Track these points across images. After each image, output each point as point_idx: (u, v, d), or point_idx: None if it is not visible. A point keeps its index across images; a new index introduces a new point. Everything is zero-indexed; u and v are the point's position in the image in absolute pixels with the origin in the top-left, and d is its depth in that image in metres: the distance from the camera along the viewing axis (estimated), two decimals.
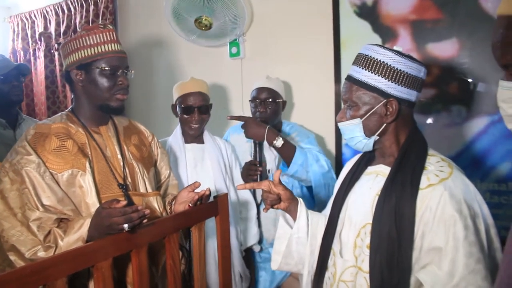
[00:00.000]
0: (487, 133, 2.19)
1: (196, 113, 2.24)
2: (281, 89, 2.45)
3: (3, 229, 1.39)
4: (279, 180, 1.58)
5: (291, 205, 1.59)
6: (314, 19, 2.72)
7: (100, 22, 3.44)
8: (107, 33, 1.59)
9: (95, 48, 1.57)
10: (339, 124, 1.44)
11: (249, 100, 2.46)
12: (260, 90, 2.39)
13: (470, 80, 2.23)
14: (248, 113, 2.88)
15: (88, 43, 1.57)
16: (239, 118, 2.25)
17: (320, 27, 2.69)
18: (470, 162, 2.21)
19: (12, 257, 1.37)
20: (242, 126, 2.23)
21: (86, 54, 1.57)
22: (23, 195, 1.42)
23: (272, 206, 1.60)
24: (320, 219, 1.62)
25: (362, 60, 1.37)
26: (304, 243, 1.59)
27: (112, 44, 1.60)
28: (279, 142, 2.16)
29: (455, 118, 2.28)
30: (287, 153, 2.19)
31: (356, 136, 1.40)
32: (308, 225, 1.58)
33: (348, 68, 2.48)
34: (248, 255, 2.40)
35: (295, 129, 2.49)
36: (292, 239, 1.59)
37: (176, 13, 2.81)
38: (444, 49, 2.28)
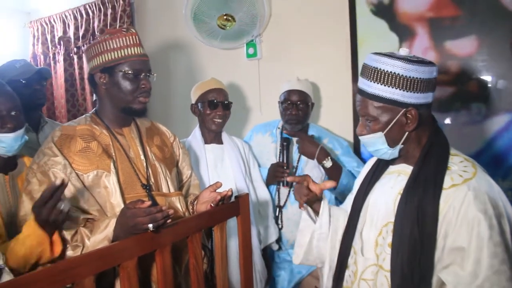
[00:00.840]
0: (508, 131, 2.17)
1: (220, 108, 2.26)
2: (310, 91, 2.46)
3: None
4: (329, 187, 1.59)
5: (313, 197, 1.58)
6: (330, 18, 2.72)
7: (118, 25, 3.49)
8: (130, 37, 1.62)
9: (119, 51, 1.60)
10: (361, 138, 1.42)
11: (279, 102, 2.47)
12: (291, 92, 2.40)
13: (489, 77, 2.21)
14: (266, 113, 2.91)
15: (112, 47, 1.60)
16: (296, 134, 2.30)
17: (337, 27, 2.69)
18: (491, 160, 2.19)
19: None
20: (297, 142, 2.30)
21: (110, 58, 1.60)
22: None
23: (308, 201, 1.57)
24: (341, 214, 1.62)
25: (371, 73, 1.32)
26: (325, 239, 1.59)
27: (135, 48, 1.63)
28: (328, 163, 2.22)
29: (475, 116, 2.26)
30: (334, 174, 2.23)
31: (381, 148, 1.38)
32: (330, 221, 1.59)
33: None
34: (265, 254, 2.42)
35: (325, 134, 2.50)
36: (314, 235, 1.59)
37: (196, 17, 2.85)
38: (463, 46, 2.27)
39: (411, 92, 1.29)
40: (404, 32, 2.43)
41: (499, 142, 2.20)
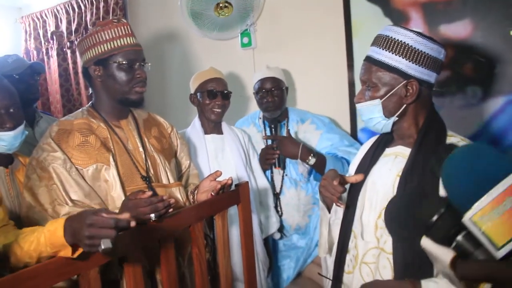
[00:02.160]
0: (504, 113, 2.17)
1: (219, 97, 2.26)
2: (282, 76, 2.49)
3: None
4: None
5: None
6: (324, 4, 2.71)
7: (111, 17, 3.47)
8: (122, 27, 1.62)
9: (111, 43, 1.60)
10: (358, 105, 1.44)
11: (254, 92, 2.49)
12: (264, 80, 2.43)
13: (484, 60, 2.21)
14: None
15: (104, 38, 1.60)
16: (274, 137, 2.32)
17: (331, 13, 2.67)
18: (488, 143, 2.20)
19: None
20: (277, 144, 2.30)
21: (103, 50, 1.60)
22: (52, 191, 1.46)
23: None
24: None
25: (382, 41, 1.36)
26: (338, 225, 1.57)
27: (128, 38, 1.62)
28: (312, 161, 2.24)
29: (471, 99, 2.26)
30: (319, 167, 2.25)
31: (375, 117, 1.40)
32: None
33: (360, 53, 2.54)
34: (267, 244, 2.43)
35: (306, 115, 2.51)
36: (330, 223, 1.58)
37: (192, 8, 2.85)
38: (457, 30, 2.26)
39: (416, 64, 1.32)
40: (398, 17, 2.42)
41: (495, 125, 2.20)
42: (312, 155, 2.23)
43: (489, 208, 0.57)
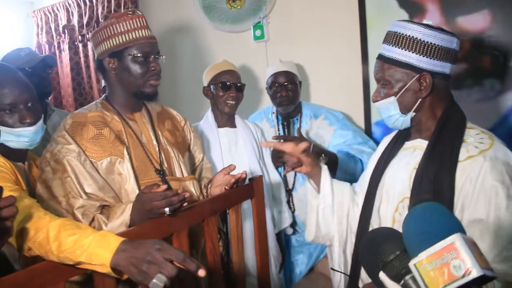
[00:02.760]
0: None
1: (233, 90, 2.24)
2: (295, 70, 2.46)
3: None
4: (303, 148, 1.59)
5: (313, 170, 1.61)
6: None
7: (122, 11, 3.46)
8: (137, 19, 1.60)
9: (126, 35, 1.58)
10: (375, 104, 1.44)
11: (267, 87, 2.46)
12: (277, 74, 2.40)
13: (502, 53, 2.17)
14: None
15: (119, 31, 1.58)
16: (285, 137, 2.26)
17: (345, 6, 2.64)
18: (505, 137, 2.12)
19: None
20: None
21: (118, 42, 1.58)
22: (66, 183, 1.45)
23: (293, 169, 1.62)
24: (345, 188, 1.64)
25: (392, 38, 1.36)
26: (330, 213, 1.60)
27: (143, 30, 1.61)
28: (323, 161, 2.17)
29: (488, 92, 2.23)
30: (331, 166, 2.19)
31: (393, 115, 1.40)
32: (334, 193, 1.59)
33: (375, 46, 2.51)
34: (279, 239, 2.41)
35: (319, 110, 2.48)
36: (318, 210, 1.61)
37: (204, 1, 2.82)
38: (475, 22, 2.22)
39: (427, 57, 1.31)
40: (414, 9, 2.38)
41: None
42: (323, 155, 2.20)
43: (430, 259, 0.68)
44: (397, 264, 0.78)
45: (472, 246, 0.68)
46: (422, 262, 0.70)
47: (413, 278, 0.73)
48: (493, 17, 2.17)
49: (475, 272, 0.65)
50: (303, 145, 1.60)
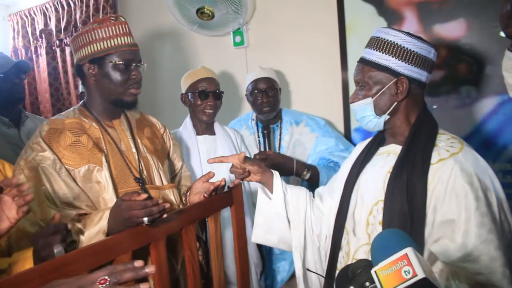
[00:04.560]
0: (497, 113, 2.18)
1: (211, 98, 2.22)
2: (275, 76, 2.46)
3: (24, 226, 1.38)
4: (244, 157, 1.60)
5: (264, 177, 1.62)
6: (318, 4, 2.69)
7: (101, 16, 3.42)
8: (120, 26, 1.58)
9: (108, 41, 1.55)
10: (352, 105, 1.48)
11: (247, 94, 2.46)
12: (258, 81, 2.39)
13: (478, 60, 2.21)
14: None
15: (101, 36, 1.55)
16: (263, 154, 2.19)
17: (325, 12, 2.66)
18: (482, 143, 2.20)
19: None
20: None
21: (99, 48, 1.55)
22: (41, 192, 1.42)
23: (242, 180, 1.64)
24: (301, 193, 1.66)
25: (374, 42, 1.42)
26: (284, 219, 1.62)
27: (125, 37, 1.58)
28: (307, 176, 2.21)
29: (465, 99, 2.26)
30: (313, 179, 2.22)
31: (367, 115, 1.44)
32: (286, 199, 1.62)
33: (354, 53, 2.53)
34: (260, 247, 2.39)
35: (300, 117, 2.48)
36: (271, 214, 1.63)
37: (178, 3, 2.78)
38: (451, 30, 2.27)
39: (405, 63, 1.37)
40: (392, 17, 2.42)
41: (489, 125, 2.21)
42: (306, 169, 2.21)
43: (387, 266, 0.85)
44: (363, 275, 0.92)
45: (421, 259, 0.85)
46: (381, 269, 0.86)
47: (374, 286, 0.88)
48: (469, 25, 2.22)
49: (420, 275, 0.81)
50: (242, 154, 1.60)
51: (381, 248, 0.93)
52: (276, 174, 1.64)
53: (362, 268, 0.93)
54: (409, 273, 0.83)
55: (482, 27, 2.18)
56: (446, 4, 2.26)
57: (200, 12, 2.81)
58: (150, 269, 0.91)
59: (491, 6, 2.13)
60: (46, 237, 1.21)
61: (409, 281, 0.82)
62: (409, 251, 0.85)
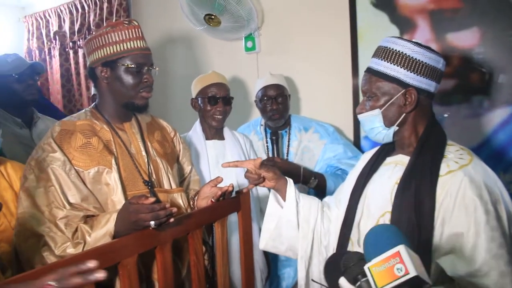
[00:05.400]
0: (510, 124, 2.15)
1: (220, 104, 2.22)
2: (285, 83, 2.46)
3: (32, 225, 1.40)
4: (260, 163, 1.58)
5: (278, 184, 1.61)
6: (330, 11, 2.69)
7: (114, 19, 3.45)
8: (132, 30, 1.59)
9: (121, 45, 1.56)
10: (359, 116, 1.45)
11: (256, 100, 2.46)
12: (268, 88, 2.39)
13: (491, 70, 2.19)
14: None
15: (114, 40, 1.56)
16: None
17: (337, 19, 2.66)
18: (493, 154, 2.17)
19: (45, 253, 1.38)
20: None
21: (112, 51, 1.56)
22: (49, 193, 1.43)
23: (256, 185, 1.63)
24: (313, 203, 1.64)
25: (381, 52, 1.38)
26: (294, 227, 1.60)
27: (138, 41, 1.59)
28: (314, 183, 2.20)
29: (476, 109, 2.24)
30: (320, 187, 2.21)
31: (376, 127, 1.41)
32: (298, 208, 1.60)
33: (365, 60, 2.52)
34: (266, 253, 2.37)
35: (310, 123, 2.48)
36: (282, 221, 1.60)
37: (190, 7, 2.80)
38: (464, 39, 2.25)
39: (414, 73, 1.33)
40: (405, 25, 2.40)
41: (501, 135, 2.18)
42: (313, 177, 2.20)
43: (380, 263, 0.87)
44: (356, 269, 0.94)
45: (413, 257, 0.87)
46: (374, 266, 0.89)
47: (367, 281, 0.90)
48: (482, 35, 2.20)
49: (412, 273, 0.84)
50: (259, 160, 1.59)
51: (374, 243, 0.95)
52: (290, 182, 1.62)
53: (355, 262, 0.96)
54: (401, 270, 0.85)
55: (495, 36, 2.16)
56: (460, 12, 2.24)
57: (207, 18, 2.82)
58: (100, 275, 0.91)
59: (505, 16, 2.12)
60: None
61: (401, 279, 0.84)
62: (401, 248, 0.87)
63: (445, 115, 2.27)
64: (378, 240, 0.95)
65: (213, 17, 2.80)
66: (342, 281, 0.98)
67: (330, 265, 1.07)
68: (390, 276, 0.85)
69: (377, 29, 2.48)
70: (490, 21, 2.17)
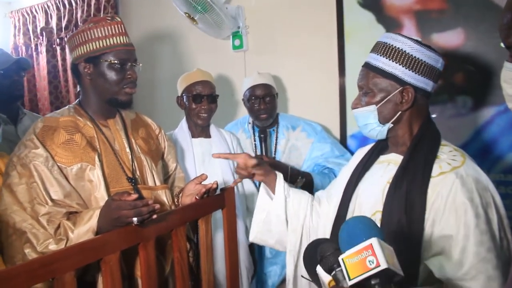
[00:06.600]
0: (493, 124, 2.17)
1: (205, 102, 2.22)
2: (272, 82, 2.46)
3: (14, 222, 1.39)
4: (252, 165, 1.59)
5: (267, 178, 1.62)
6: (318, 10, 2.70)
7: (101, 16, 3.43)
8: (115, 26, 1.58)
9: (104, 41, 1.56)
10: (354, 111, 1.44)
11: (244, 99, 2.46)
12: (255, 87, 2.39)
13: (475, 70, 2.21)
14: None
15: (96, 36, 1.56)
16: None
17: (324, 19, 2.67)
18: (477, 153, 2.19)
19: (27, 249, 1.38)
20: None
21: (95, 47, 1.56)
22: (32, 189, 1.42)
23: (243, 179, 1.65)
24: (303, 198, 1.64)
25: (381, 48, 1.37)
26: (282, 222, 1.60)
27: (121, 37, 1.59)
28: (301, 183, 2.20)
29: (461, 109, 2.26)
30: (307, 186, 2.21)
31: (370, 123, 1.40)
32: (286, 203, 1.60)
33: (352, 59, 2.53)
34: (252, 249, 2.40)
35: (297, 122, 2.48)
36: (270, 216, 1.61)
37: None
38: (450, 39, 2.27)
39: (412, 71, 1.32)
40: (391, 24, 2.42)
41: (485, 134, 2.20)
42: (300, 176, 2.20)
43: (353, 255, 0.90)
44: (331, 259, 0.97)
45: (386, 249, 0.90)
46: (347, 257, 0.91)
47: (341, 271, 0.93)
48: (467, 35, 2.22)
49: (383, 265, 0.86)
50: (253, 161, 1.59)
51: (349, 235, 0.97)
52: (279, 176, 1.62)
53: (331, 252, 0.99)
54: (373, 263, 0.88)
55: (480, 37, 2.18)
56: (445, 13, 2.26)
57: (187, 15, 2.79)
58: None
59: (489, 17, 2.14)
60: None
61: (372, 271, 0.87)
62: (374, 241, 0.89)
63: (433, 116, 2.29)
64: (353, 231, 0.97)
65: (188, 15, 2.77)
66: (319, 270, 1.01)
67: (309, 253, 1.10)
68: (362, 268, 0.88)
69: (364, 29, 2.49)
70: (474, 22, 2.19)
